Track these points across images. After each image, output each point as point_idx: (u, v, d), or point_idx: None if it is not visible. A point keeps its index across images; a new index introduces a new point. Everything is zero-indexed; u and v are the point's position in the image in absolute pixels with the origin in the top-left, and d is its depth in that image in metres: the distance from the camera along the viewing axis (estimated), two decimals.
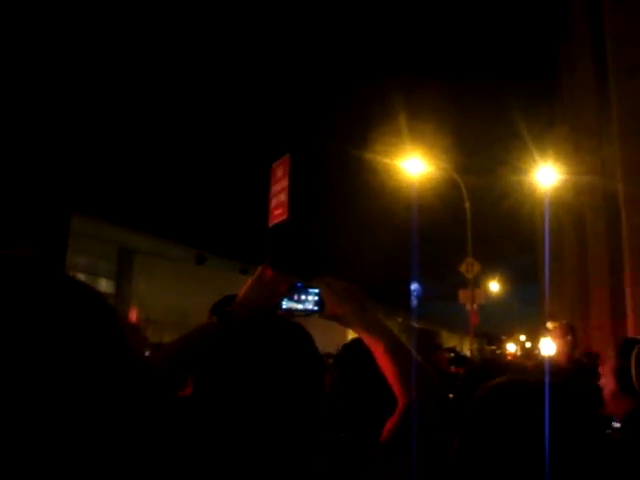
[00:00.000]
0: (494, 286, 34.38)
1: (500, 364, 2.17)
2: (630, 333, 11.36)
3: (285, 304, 1.44)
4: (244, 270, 21.77)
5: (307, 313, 1.46)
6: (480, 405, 1.03)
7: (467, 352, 16.16)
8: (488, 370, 1.94)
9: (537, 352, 17.11)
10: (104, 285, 21.78)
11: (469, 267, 15.57)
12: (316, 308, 1.47)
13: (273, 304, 1.40)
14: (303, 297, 1.46)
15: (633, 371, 2.07)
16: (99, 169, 31.31)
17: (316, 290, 1.47)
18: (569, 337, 4.86)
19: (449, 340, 33.08)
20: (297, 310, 1.45)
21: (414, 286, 14.60)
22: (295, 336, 1.28)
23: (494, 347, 28.90)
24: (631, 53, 12.68)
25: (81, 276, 21.36)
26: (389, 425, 1.42)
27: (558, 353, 4.94)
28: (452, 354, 11.18)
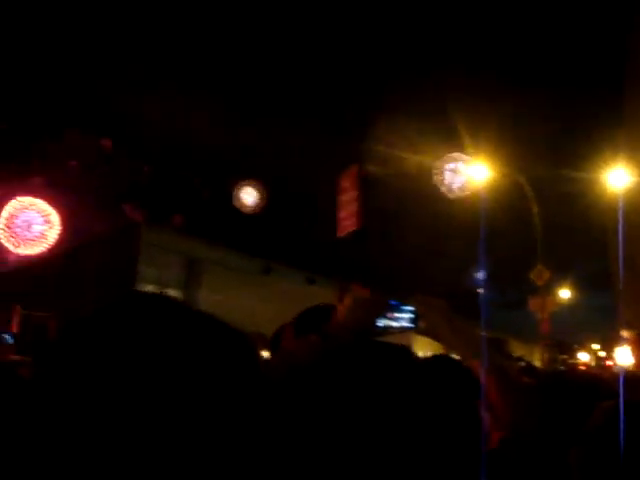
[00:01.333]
0: (565, 293, 33.46)
1: (575, 376, 2.11)
2: None
3: (380, 322, 1.46)
4: (310, 280, 21.87)
5: (403, 330, 1.49)
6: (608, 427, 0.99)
7: (537, 362, 15.80)
8: (562, 383, 1.89)
9: (612, 362, 16.55)
10: (173, 295, 22.28)
11: (538, 274, 15.24)
12: (411, 325, 1.49)
13: (369, 322, 1.42)
14: (397, 315, 1.48)
15: None
16: (169, 184, 32.13)
17: (411, 307, 1.49)
18: None
19: (517, 349, 32.37)
20: (393, 327, 1.47)
21: (480, 275, 14.31)
22: (398, 356, 1.24)
23: (566, 356, 28.17)
24: None
25: (150, 286, 21.91)
26: (494, 438, 1.41)
27: (636, 365, 4.80)
28: (523, 363, 10.97)
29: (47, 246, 28.48)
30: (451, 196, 18.53)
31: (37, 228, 30.63)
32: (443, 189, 18.03)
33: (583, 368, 13.62)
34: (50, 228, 29.15)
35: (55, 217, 29.21)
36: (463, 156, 17.24)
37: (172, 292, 22.60)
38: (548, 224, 18.15)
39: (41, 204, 30.32)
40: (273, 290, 16.54)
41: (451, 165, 17.59)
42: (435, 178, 17.79)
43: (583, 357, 21.83)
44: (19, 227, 29.96)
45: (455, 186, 18.68)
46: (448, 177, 17.64)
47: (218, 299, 16.16)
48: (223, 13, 31.07)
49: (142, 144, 33.41)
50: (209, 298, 17.96)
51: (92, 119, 32.21)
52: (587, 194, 18.63)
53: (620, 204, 16.82)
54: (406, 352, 1.28)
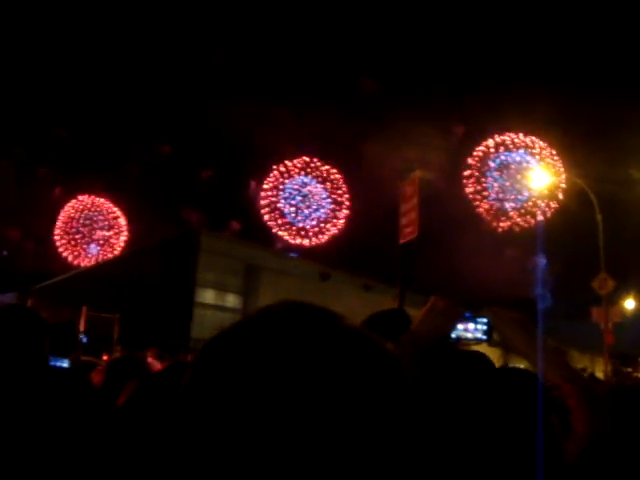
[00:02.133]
0: (630, 303, 32.41)
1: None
2: None
3: (454, 333, 1.47)
4: (367, 287, 21.88)
5: (477, 342, 1.50)
6: None
7: (599, 373, 15.36)
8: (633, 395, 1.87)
9: None
10: (231, 300, 22.63)
11: (602, 283, 14.81)
12: (485, 337, 1.50)
13: (445, 332, 1.43)
14: (471, 326, 1.50)
15: None
16: (227, 189, 32.64)
17: (485, 319, 1.50)
18: None
19: (579, 361, 31.48)
20: (466, 339, 1.50)
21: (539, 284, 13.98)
22: (481, 365, 1.28)
23: (630, 369, 27.21)
24: None
25: (210, 291, 22.28)
26: (573, 450, 1.40)
27: None
28: (585, 375, 10.70)
29: (111, 255, 29.26)
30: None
31: (100, 234, 31.37)
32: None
33: None
34: (115, 234, 29.85)
35: (121, 221, 29.86)
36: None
37: (231, 297, 22.93)
38: (614, 232, 17.69)
39: (105, 206, 31.07)
40: (331, 296, 16.61)
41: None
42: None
43: None
44: (80, 233, 30.75)
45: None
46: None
47: None
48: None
49: (201, 150, 34.07)
50: (268, 303, 18.16)
51: (152, 125, 33.00)
52: None
53: None
54: (484, 359, 1.32)
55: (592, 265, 16.05)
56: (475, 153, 31.36)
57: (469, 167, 31.34)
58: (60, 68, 31.61)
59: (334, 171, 34.03)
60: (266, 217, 32.84)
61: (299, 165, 33.79)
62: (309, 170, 33.83)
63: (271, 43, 34.87)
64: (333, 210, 33.87)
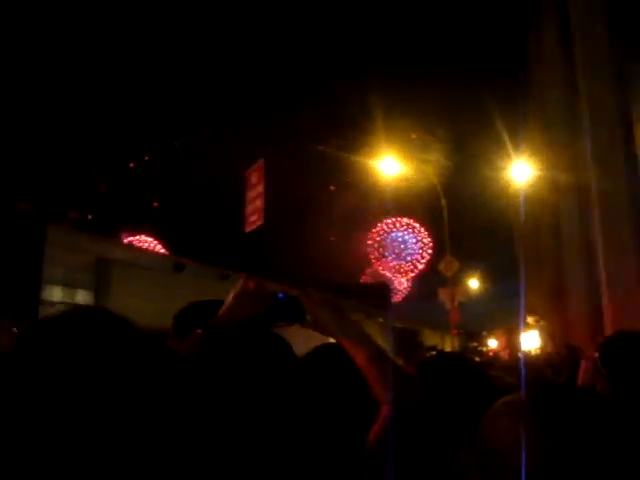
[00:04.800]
0: (474, 283, 34.60)
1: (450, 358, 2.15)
2: (607, 327, 11.51)
3: (267, 315, 1.47)
4: (224, 276, 21.64)
5: (289, 323, 1.50)
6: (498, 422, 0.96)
7: (448, 349, 16.23)
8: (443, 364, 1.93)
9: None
10: (82, 297, 21.57)
11: (448, 265, 15.63)
12: (297, 318, 1.50)
13: (255, 315, 1.43)
14: (284, 307, 1.50)
15: None
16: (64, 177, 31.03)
17: (298, 300, 1.51)
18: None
19: (430, 339, 33.19)
20: (279, 320, 1.49)
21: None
22: (276, 347, 1.29)
23: (475, 344, 29.06)
24: (599, 49, 12.88)
25: (58, 288, 21.10)
26: (374, 430, 1.44)
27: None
28: (434, 352, 11.22)
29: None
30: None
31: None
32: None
33: (490, 354, 14.12)
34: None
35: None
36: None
37: (81, 293, 21.85)
38: (456, 216, 18.69)
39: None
40: (186, 287, 16.26)
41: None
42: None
43: (492, 344, 22.63)
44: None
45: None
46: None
47: (130, 299, 15.75)
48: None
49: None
50: (120, 298, 17.49)
51: None
52: (493, 187, 19.30)
53: (522, 197, 17.52)
54: (281, 342, 1.34)
55: (438, 249, 16.90)
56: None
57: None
58: None
59: None
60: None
61: None
62: None
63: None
64: None
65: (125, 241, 30.01)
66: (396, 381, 1.39)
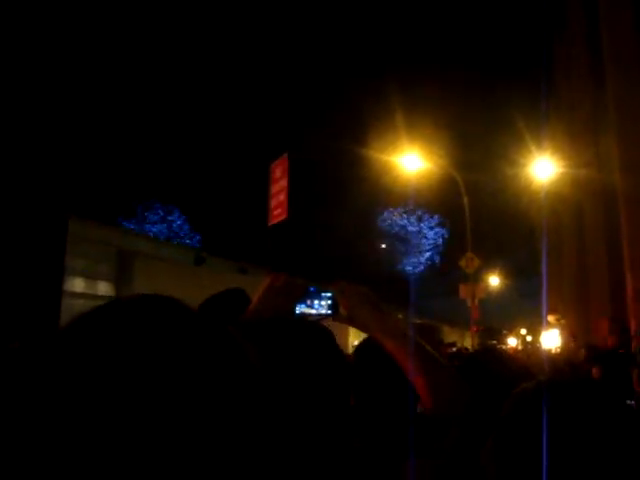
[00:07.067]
0: (494, 280, 34.39)
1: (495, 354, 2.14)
2: (631, 324, 11.36)
3: (298, 309, 1.45)
4: (243, 270, 21.70)
5: (320, 317, 1.46)
6: (520, 410, 0.95)
7: (469, 347, 16.14)
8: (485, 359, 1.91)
9: (538, 345, 17.11)
10: (103, 288, 21.76)
11: (469, 262, 15.53)
12: (329, 312, 1.47)
13: (287, 310, 1.40)
14: (316, 301, 1.47)
15: None
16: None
17: (329, 294, 1.47)
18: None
19: (450, 335, 33.08)
20: (310, 314, 1.46)
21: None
22: (318, 336, 1.23)
23: (495, 341, 28.87)
24: (626, 45, 12.69)
25: (80, 279, 21.29)
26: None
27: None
28: (454, 349, 11.17)
29: None
30: None
31: None
32: None
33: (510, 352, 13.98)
34: None
35: None
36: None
37: (102, 284, 22.05)
38: (478, 214, 18.58)
39: None
40: (206, 280, 16.34)
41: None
42: None
43: (511, 342, 22.46)
44: None
45: None
46: None
47: (151, 291, 15.81)
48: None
49: None
50: (141, 290, 17.57)
51: None
52: (515, 185, 19.15)
53: (543, 194, 17.36)
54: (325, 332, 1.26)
55: (460, 246, 16.79)
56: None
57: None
58: None
59: None
60: None
61: None
62: None
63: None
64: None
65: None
66: (443, 385, 1.33)
